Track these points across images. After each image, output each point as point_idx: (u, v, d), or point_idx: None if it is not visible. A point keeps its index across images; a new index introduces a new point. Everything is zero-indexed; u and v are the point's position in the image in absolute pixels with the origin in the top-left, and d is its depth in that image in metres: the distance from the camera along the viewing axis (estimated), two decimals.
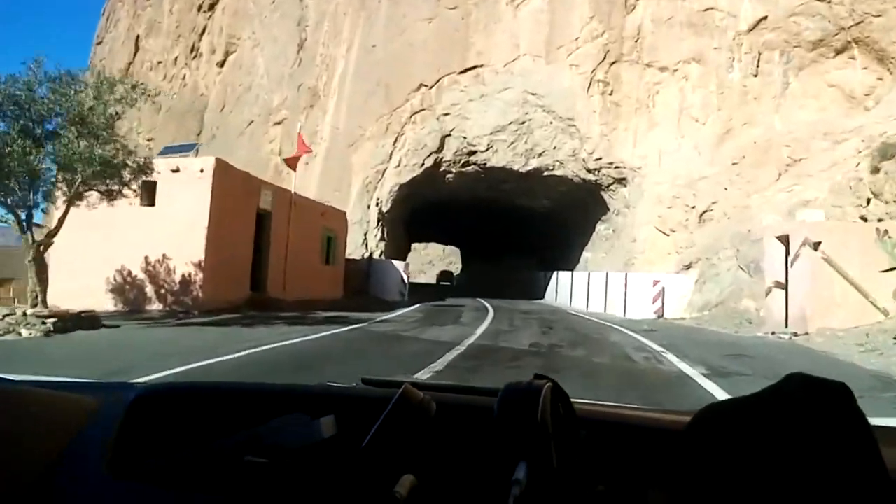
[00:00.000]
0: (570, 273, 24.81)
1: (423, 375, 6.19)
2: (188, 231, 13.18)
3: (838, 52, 18.37)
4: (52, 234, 10.26)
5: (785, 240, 12.68)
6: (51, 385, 1.22)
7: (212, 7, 35.35)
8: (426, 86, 23.63)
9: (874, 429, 0.59)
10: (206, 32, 35.81)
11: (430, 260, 71.08)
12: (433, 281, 56.49)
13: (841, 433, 0.59)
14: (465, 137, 23.30)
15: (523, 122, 22.58)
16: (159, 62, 38.68)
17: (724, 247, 17.04)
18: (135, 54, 40.21)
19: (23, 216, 9.80)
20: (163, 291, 13.39)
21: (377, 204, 23.97)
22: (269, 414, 0.94)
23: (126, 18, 42.16)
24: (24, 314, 9.17)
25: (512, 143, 22.95)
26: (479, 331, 11.88)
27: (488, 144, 23.13)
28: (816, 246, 11.63)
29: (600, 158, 21.66)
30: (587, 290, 21.46)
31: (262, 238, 15.82)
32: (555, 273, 27.56)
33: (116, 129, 10.96)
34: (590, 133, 21.58)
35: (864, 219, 12.94)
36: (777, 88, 19.19)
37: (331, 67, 26.63)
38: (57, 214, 10.74)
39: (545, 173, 23.50)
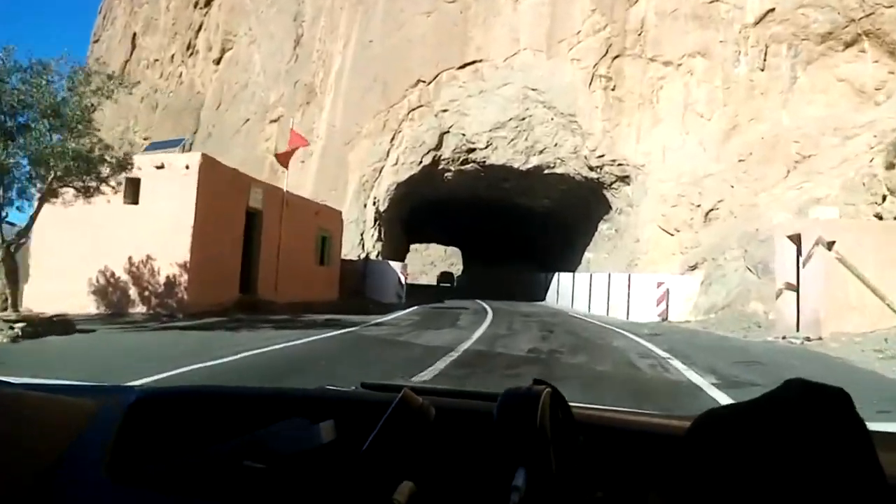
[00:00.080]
0: (571, 274, 24.26)
1: None
2: (173, 230, 12.67)
3: (848, 45, 17.76)
4: (23, 233, 9.76)
5: (796, 239, 12.12)
6: (50, 388, 1.22)
7: (208, 3, 34.93)
8: (424, 82, 23.08)
9: (872, 434, 0.59)
10: (203, 29, 35.42)
11: (432, 261, 70.62)
12: (434, 282, 56.04)
13: (840, 439, 0.59)
14: (463, 134, 22.72)
15: (523, 119, 22.01)
16: (156, 60, 38.32)
17: (730, 247, 16.47)
18: (132, 52, 39.85)
19: None
20: (147, 293, 12.87)
21: (374, 203, 23.41)
22: (268, 417, 0.95)
23: (123, 16, 41.80)
24: None
25: (512, 140, 22.37)
26: (476, 335, 11.40)
27: (488, 142, 22.55)
28: (830, 245, 11.06)
29: (602, 156, 21.08)
30: (589, 291, 20.97)
31: (252, 238, 15.32)
32: (556, 274, 27.04)
33: (97, 123, 10.47)
34: (592, 129, 21.01)
35: (880, 217, 12.39)
36: (785, 83, 18.59)
37: (327, 63, 26.12)
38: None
39: (546, 171, 22.91)
